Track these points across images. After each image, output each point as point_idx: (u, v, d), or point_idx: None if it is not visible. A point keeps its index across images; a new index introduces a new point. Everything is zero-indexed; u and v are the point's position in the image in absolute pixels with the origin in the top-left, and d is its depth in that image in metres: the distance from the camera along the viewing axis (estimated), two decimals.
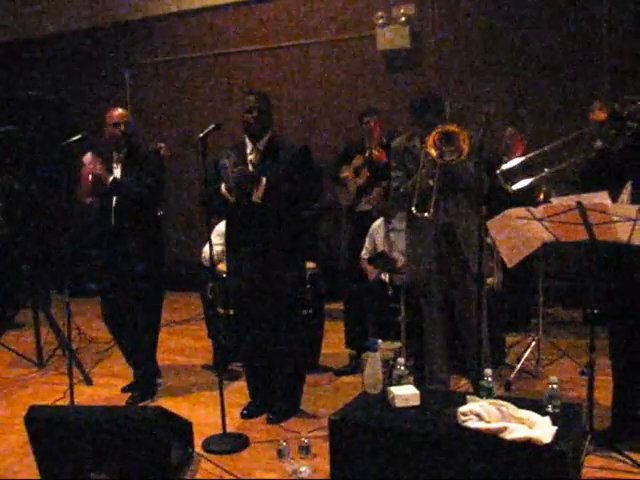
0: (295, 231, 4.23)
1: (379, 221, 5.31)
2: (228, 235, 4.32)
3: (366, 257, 5.24)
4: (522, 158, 3.82)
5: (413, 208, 3.90)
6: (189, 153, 7.97)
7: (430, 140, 3.84)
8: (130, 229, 4.66)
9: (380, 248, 5.16)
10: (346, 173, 6.28)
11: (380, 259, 4.91)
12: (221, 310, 5.11)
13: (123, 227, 4.65)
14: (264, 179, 4.02)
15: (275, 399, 4.36)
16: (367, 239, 5.36)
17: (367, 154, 6.18)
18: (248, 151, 4.21)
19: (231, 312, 4.80)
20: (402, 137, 4.36)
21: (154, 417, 3.53)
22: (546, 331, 5.63)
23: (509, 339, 5.63)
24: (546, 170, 4.05)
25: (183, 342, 6.32)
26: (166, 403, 4.56)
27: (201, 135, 3.88)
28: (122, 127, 4.70)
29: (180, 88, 8.87)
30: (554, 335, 5.92)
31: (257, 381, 4.42)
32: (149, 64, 8.99)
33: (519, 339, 5.62)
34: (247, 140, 4.24)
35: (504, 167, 3.79)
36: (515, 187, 3.75)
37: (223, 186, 4.09)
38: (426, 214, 3.86)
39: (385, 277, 5.11)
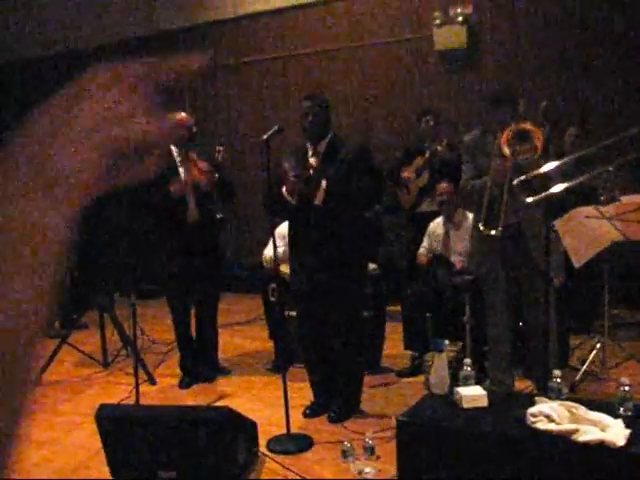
0: (357, 232, 4.24)
1: (438, 220, 5.28)
2: (291, 237, 4.36)
3: (423, 253, 5.22)
4: (554, 164, 3.71)
5: (481, 225, 3.85)
6: (250, 156, 8.05)
7: (504, 138, 3.79)
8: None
9: (437, 250, 5.14)
10: (407, 174, 6.26)
11: (439, 261, 4.89)
12: (284, 311, 5.14)
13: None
14: (324, 182, 4.04)
15: (335, 398, 4.38)
16: (425, 238, 5.33)
17: (427, 155, 6.16)
18: (310, 154, 4.23)
19: (293, 313, 4.84)
20: (474, 132, 4.32)
21: (221, 417, 3.58)
22: (611, 333, 5.53)
23: (573, 340, 5.54)
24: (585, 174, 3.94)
25: (244, 343, 6.37)
26: (230, 403, 4.60)
27: (265, 137, 3.90)
28: (193, 130, 4.93)
29: (239, 92, 8.94)
30: (619, 337, 5.80)
31: (319, 381, 4.45)
32: (208, 68, 9.08)
33: (583, 341, 5.52)
34: (308, 143, 4.26)
35: (523, 177, 3.68)
36: (529, 199, 3.61)
37: (284, 189, 4.12)
38: (493, 232, 3.81)
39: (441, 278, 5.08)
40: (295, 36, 8.51)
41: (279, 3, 8.48)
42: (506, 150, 3.74)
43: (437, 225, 5.27)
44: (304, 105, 4.24)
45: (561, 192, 3.62)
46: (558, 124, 5.70)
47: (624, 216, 3.26)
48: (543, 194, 3.52)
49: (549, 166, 3.66)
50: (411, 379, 5.03)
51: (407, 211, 6.42)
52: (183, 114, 4.96)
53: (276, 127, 3.98)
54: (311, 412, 4.40)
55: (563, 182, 3.95)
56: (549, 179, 3.70)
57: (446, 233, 5.21)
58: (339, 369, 4.36)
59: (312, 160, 4.21)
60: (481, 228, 3.84)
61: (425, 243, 5.34)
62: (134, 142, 0.56)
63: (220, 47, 8.96)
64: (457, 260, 4.92)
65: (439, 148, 6.03)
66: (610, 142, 3.86)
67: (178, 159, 4.95)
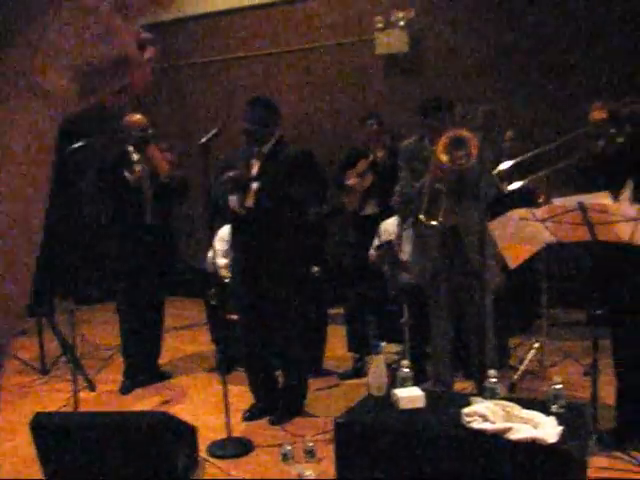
0: (297, 235, 4.24)
1: (391, 220, 5.29)
2: (232, 240, 4.35)
3: (374, 250, 5.24)
4: (518, 158, 3.82)
5: (421, 215, 3.90)
6: (192, 159, 7.96)
7: (441, 145, 3.83)
8: None
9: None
10: (351, 178, 6.29)
11: (386, 248, 4.90)
12: (225, 315, 5.12)
13: None
14: (254, 185, 4.05)
15: (277, 401, 4.38)
16: (376, 238, 5.33)
17: (371, 158, 6.20)
18: (252, 156, 4.23)
19: (235, 317, 4.83)
20: (411, 138, 4.37)
21: (158, 422, 3.53)
22: (549, 333, 5.63)
23: (513, 341, 5.64)
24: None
25: (187, 347, 6.33)
26: (171, 408, 4.58)
27: (203, 140, 3.88)
28: (148, 131, 4.94)
29: (183, 95, 8.89)
30: (558, 337, 5.93)
31: (260, 384, 4.45)
32: (166, 68, 9.00)
33: (523, 341, 5.62)
34: (251, 146, 4.27)
35: (500, 167, 3.79)
36: (510, 187, 3.74)
37: (231, 199, 4.13)
38: (434, 222, 3.85)
39: (387, 274, 5.10)
40: (239, 39, 8.49)
41: (223, 5, 8.45)
42: (443, 157, 3.78)
43: (389, 225, 5.27)
44: (246, 109, 4.24)
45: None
46: (497, 128, 5.82)
47: (556, 218, 3.32)
48: (518, 184, 3.62)
49: (506, 165, 3.74)
50: (354, 381, 5.06)
51: (351, 214, 6.46)
52: (138, 116, 4.95)
53: (215, 130, 3.95)
54: (251, 415, 4.39)
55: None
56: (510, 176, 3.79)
57: (399, 235, 5.22)
58: (281, 372, 4.36)
59: (255, 162, 4.21)
60: (422, 218, 3.87)
61: (376, 242, 5.35)
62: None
63: (164, 49, 8.88)
64: (405, 256, 4.94)
65: (379, 154, 6.08)
66: (551, 146, 3.95)
67: (135, 157, 4.91)
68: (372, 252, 5.27)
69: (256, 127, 4.17)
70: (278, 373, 4.49)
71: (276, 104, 4.34)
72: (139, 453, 3.36)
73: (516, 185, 4.10)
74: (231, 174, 4.06)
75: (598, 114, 3.48)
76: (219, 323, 5.21)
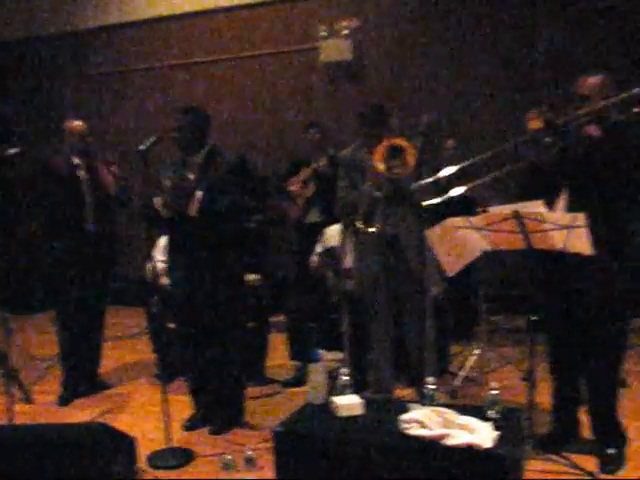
0: (235, 244, 4.24)
1: (334, 227, 5.29)
2: (169, 248, 4.32)
3: (316, 257, 5.23)
4: (455, 168, 3.84)
5: (359, 223, 3.92)
6: (131, 167, 7.88)
7: (378, 154, 3.86)
8: None
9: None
10: (294, 186, 6.31)
11: (328, 255, 4.91)
12: (165, 324, 5.07)
13: None
14: (199, 193, 4.03)
15: (217, 410, 4.36)
16: (318, 245, 5.33)
17: (313, 166, 6.22)
18: (187, 165, 4.21)
19: (174, 325, 4.79)
20: (350, 148, 4.39)
21: (96, 434, 3.49)
22: (490, 339, 5.71)
23: (454, 348, 5.70)
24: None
25: (127, 357, 6.24)
26: (110, 419, 4.52)
27: (142, 147, 3.85)
28: (89, 139, 4.90)
29: (122, 101, 8.78)
30: (498, 343, 6.02)
31: (200, 393, 4.41)
32: (90, 76, 8.88)
33: (463, 348, 5.69)
34: (184, 155, 4.24)
35: (427, 180, 3.80)
36: (452, 193, 3.75)
37: (155, 200, 4.09)
38: (372, 229, 3.88)
39: (330, 282, 5.11)
40: (181, 45, 8.43)
41: (164, 11, 8.38)
42: (380, 166, 3.81)
43: (332, 232, 5.28)
44: (176, 118, 4.21)
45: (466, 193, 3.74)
46: (437, 137, 5.89)
47: (492, 226, 3.37)
48: (445, 196, 3.65)
49: (447, 171, 3.75)
50: (296, 389, 5.05)
51: (294, 222, 6.46)
52: (78, 122, 4.87)
53: (154, 137, 3.91)
54: (191, 425, 4.36)
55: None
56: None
57: (342, 242, 5.22)
58: (220, 381, 4.33)
59: (189, 171, 4.18)
60: (360, 226, 3.89)
61: (318, 249, 5.36)
62: None
63: (101, 54, 8.79)
64: (348, 262, 4.95)
65: (321, 163, 6.11)
66: (488, 155, 3.98)
67: (77, 163, 4.87)
68: (314, 259, 5.27)
69: (186, 136, 4.15)
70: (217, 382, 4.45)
71: (206, 112, 4.31)
72: (76, 465, 3.31)
73: (458, 191, 4.10)
74: (168, 182, 4.03)
75: (534, 123, 3.53)
76: (160, 332, 5.15)
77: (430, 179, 3.80)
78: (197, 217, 4.05)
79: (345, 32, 7.51)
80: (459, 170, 3.86)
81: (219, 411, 4.35)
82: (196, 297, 4.16)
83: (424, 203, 3.89)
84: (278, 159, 7.47)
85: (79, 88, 8.93)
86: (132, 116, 8.69)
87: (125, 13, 8.57)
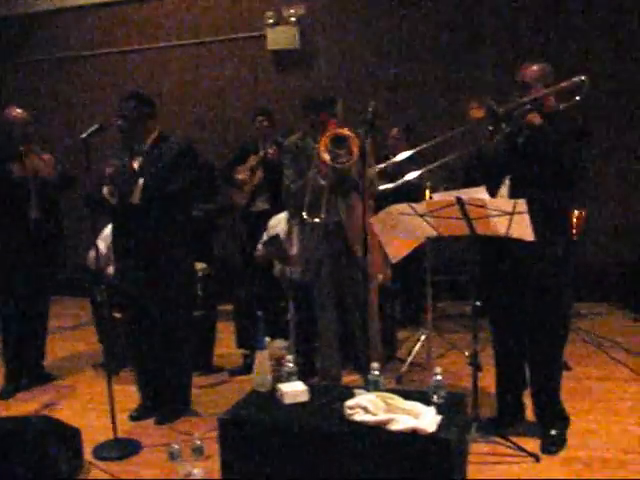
0: (181, 232, 4.20)
1: (281, 215, 5.28)
2: (114, 237, 4.26)
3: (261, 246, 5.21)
4: (407, 153, 3.87)
5: (304, 213, 3.91)
6: (75, 155, 7.74)
7: (322, 144, 3.85)
8: None
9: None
10: (241, 174, 6.28)
11: (273, 243, 4.89)
12: (110, 313, 5.01)
13: None
14: (141, 180, 4.00)
15: (164, 400, 4.34)
16: (264, 234, 5.31)
17: (261, 154, 6.21)
18: (132, 152, 4.16)
19: (119, 315, 4.74)
20: (295, 136, 4.38)
21: (40, 426, 3.45)
22: (437, 325, 5.77)
23: (401, 334, 5.76)
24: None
25: (72, 348, 6.16)
26: (56, 411, 4.47)
27: (83, 135, 3.78)
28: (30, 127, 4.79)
29: (64, 88, 8.61)
30: (445, 328, 6.10)
31: (146, 383, 4.39)
32: (30, 62, 8.68)
33: (411, 333, 5.75)
34: (129, 143, 4.19)
35: (382, 165, 3.84)
36: (407, 177, 3.78)
37: (105, 189, 4.04)
38: (317, 219, 3.87)
39: (276, 270, 5.11)
40: (126, 32, 8.30)
41: None
42: (325, 155, 3.81)
43: (278, 220, 5.27)
44: (120, 106, 4.15)
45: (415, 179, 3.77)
46: (383, 125, 5.91)
47: (436, 213, 3.40)
48: (399, 181, 3.67)
49: (403, 155, 3.77)
50: (244, 377, 5.03)
51: (241, 209, 6.44)
52: (19, 110, 4.76)
53: (96, 125, 3.85)
54: (138, 415, 4.32)
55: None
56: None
57: (289, 230, 5.22)
58: (166, 370, 4.31)
59: (135, 158, 4.13)
60: (305, 216, 3.89)
61: (264, 237, 5.34)
62: None
63: (43, 40, 8.60)
64: (293, 250, 4.95)
65: (270, 151, 6.09)
66: (431, 143, 4.03)
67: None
68: (259, 247, 5.26)
69: (130, 124, 4.11)
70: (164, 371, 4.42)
71: (151, 98, 4.26)
72: (20, 459, 3.26)
73: (414, 174, 4.11)
74: (111, 169, 3.98)
75: (476, 112, 3.58)
76: (105, 322, 5.09)
77: (383, 165, 3.82)
78: (140, 205, 4.00)
79: (292, 19, 7.49)
80: (410, 156, 3.88)
81: (166, 400, 4.33)
82: (141, 286, 4.12)
83: (380, 187, 3.92)
84: (224, 147, 7.43)
85: (22, 74, 8.73)
86: (76, 103, 8.52)
87: None
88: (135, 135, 4.13)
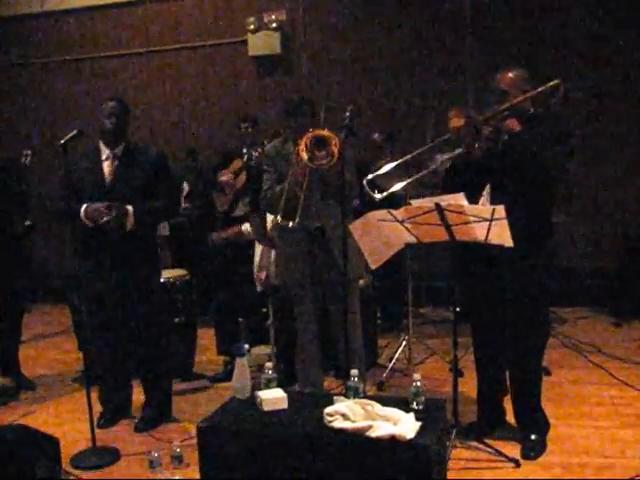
0: (153, 238, 4.21)
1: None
2: (86, 246, 4.21)
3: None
4: (393, 164, 3.85)
5: (279, 217, 3.90)
6: (54, 160, 7.71)
7: (302, 144, 3.85)
8: None
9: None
10: (225, 177, 6.25)
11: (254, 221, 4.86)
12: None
13: None
14: (130, 208, 4.00)
15: (144, 407, 4.33)
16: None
17: (244, 158, 6.18)
18: (103, 157, 4.15)
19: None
20: (275, 140, 4.38)
21: (17, 436, 3.41)
22: (420, 331, 5.78)
23: (383, 340, 5.75)
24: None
25: (52, 356, 6.12)
26: (33, 420, 4.42)
27: (62, 141, 3.77)
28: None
29: (45, 93, 8.55)
30: (427, 334, 6.10)
31: (114, 393, 4.39)
32: (8, 66, 8.63)
33: (392, 339, 5.75)
34: (102, 146, 4.17)
35: (370, 176, 3.83)
36: (378, 195, 3.77)
37: (83, 211, 4.00)
38: (291, 223, 3.85)
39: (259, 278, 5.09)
40: (107, 36, 8.27)
41: (89, 1, 8.21)
42: (304, 156, 3.80)
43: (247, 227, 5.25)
44: (109, 105, 4.13)
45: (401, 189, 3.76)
46: (364, 129, 5.93)
47: (414, 219, 3.39)
48: (387, 192, 3.66)
49: (389, 166, 3.76)
50: (225, 384, 5.01)
51: (222, 214, 6.41)
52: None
53: (75, 131, 3.83)
54: (105, 422, 4.30)
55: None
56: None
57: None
58: (147, 377, 4.29)
59: (107, 163, 4.13)
60: (279, 220, 3.87)
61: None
62: None
63: (24, 44, 8.54)
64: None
65: (254, 154, 6.07)
66: (414, 154, 3.99)
67: None
68: (245, 227, 5.23)
69: (119, 126, 4.11)
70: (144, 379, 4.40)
71: (128, 107, 4.29)
72: None
73: (399, 185, 4.09)
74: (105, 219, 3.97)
75: (456, 122, 3.58)
76: (85, 330, 5.05)
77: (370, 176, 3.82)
78: (137, 228, 4.06)
79: (273, 25, 7.50)
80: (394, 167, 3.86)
81: (146, 408, 4.32)
82: (119, 293, 4.11)
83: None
84: (207, 152, 7.42)
85: None
86: (58, 109, 8.47)
87: (50, 2, 8.34)
88: (119, 137, 4.13)
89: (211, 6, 7.91)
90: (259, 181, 5.27)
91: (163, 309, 4.29)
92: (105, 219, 3.93)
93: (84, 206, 3.98)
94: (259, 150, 5.93)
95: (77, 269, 4.25)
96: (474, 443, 3.69)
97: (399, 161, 3.82)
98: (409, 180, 3.77)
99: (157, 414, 4.31)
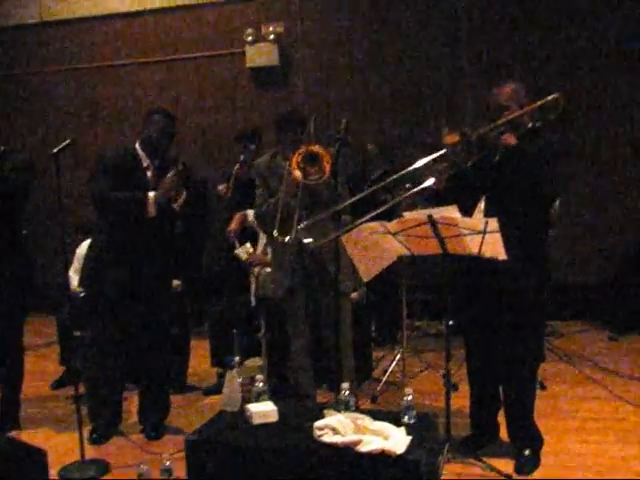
0: (171, 247, 4.29)
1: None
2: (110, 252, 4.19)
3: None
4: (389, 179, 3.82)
5: (275, 232, 3.88)
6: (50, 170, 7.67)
7: (294, 161, 3.83)
8: None
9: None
10: (221, 187, 6.23)
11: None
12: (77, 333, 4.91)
13: None
14: (151, 194, 4.04)
15: (148, 414, 4.35)
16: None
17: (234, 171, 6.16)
18: (145, 165, 4.15)
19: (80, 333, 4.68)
20: (266, 155, 4.36)
21: (4, 448, 3.37)
22: (415, 344, 5.74)
23: (377, 353, 5.72)
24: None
25: (40, 367, 6.03)
26: (22, 432, 4.39)
27: (55, 151, 3.76)
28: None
29: (42, 103, 8.55)
30: (421, 347, 6.06)
31: (117, 401, 4.35)
32: (5, 76, 8.65)
33: (387, 353, 5.71)
34: (141, 153, 4.17)
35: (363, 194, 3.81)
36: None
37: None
38: (287, 238, 3.83)
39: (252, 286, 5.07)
40: (105, 47, 8.27)
41: (87, 12, 8.22)
42: (296, 173, 3.79)
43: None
44: (163, 121, 4.16)
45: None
46: (359, 141, 5.92)
47: (407, 231, 3.37)
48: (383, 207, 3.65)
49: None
50: (218, 396, 4.97)
51: (220, 226, 6.38)
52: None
53: (68, 140, 3.83)
54: (98, 437, 4.24)
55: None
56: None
57: (264, 249, 5.18)
58: (150, 388, 4.30)
59: (149, 172, 4.15)
60: (275, 235, 3.86)
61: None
62: None
63: (21, 54, 8.54)
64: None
65: (236, 167, 6.04)
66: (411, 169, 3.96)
67: None
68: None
69: (165, 145, 4.16)
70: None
71: None
72: None
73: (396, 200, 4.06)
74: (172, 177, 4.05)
75: (451, 138, 3.56)
76: (70, 341, 5.00)
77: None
78: (179, 212, 4.13)
79: (271, 37, 7.51)
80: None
81: (151, 414, 4.34)
82: (130, 297, 4.13)
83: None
84: (203, 163, 7.41)
85: None
86: (55, 118, 8.47)
87: (49, 12, 8.35)
88: (162, 151, 4.20)
89: (209, 17, 7.91)
90: (243, 193, 5.28)
91: (168, 317, 4.35)
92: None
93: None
94: (238, 164, 5.93)
95: (94, 277, 4.29)
96: (467, 458, 3.65)
97: (390, 179, 3.75)
98: (405, 195, 3.73)
99: (163, 418, 4.36)
